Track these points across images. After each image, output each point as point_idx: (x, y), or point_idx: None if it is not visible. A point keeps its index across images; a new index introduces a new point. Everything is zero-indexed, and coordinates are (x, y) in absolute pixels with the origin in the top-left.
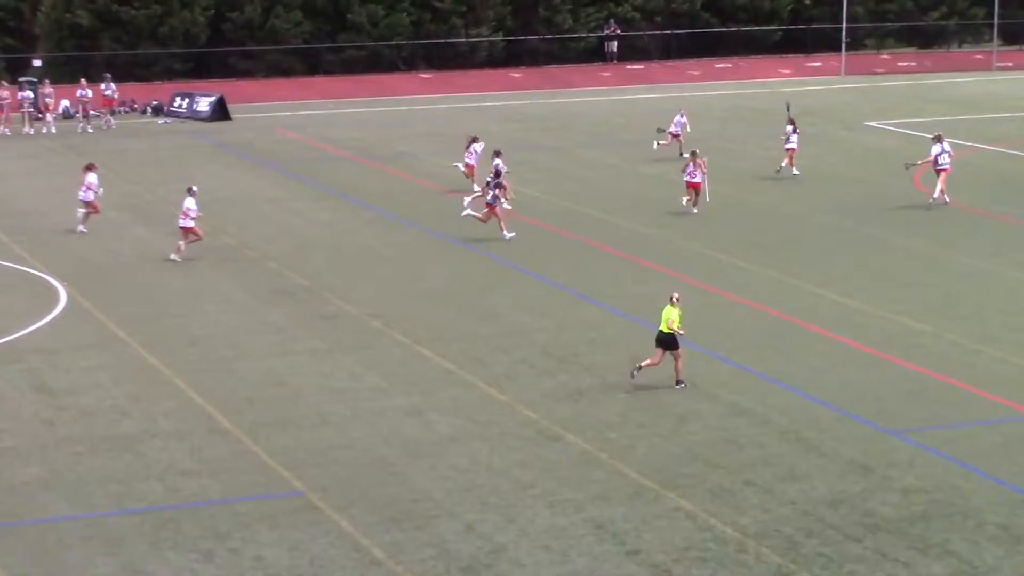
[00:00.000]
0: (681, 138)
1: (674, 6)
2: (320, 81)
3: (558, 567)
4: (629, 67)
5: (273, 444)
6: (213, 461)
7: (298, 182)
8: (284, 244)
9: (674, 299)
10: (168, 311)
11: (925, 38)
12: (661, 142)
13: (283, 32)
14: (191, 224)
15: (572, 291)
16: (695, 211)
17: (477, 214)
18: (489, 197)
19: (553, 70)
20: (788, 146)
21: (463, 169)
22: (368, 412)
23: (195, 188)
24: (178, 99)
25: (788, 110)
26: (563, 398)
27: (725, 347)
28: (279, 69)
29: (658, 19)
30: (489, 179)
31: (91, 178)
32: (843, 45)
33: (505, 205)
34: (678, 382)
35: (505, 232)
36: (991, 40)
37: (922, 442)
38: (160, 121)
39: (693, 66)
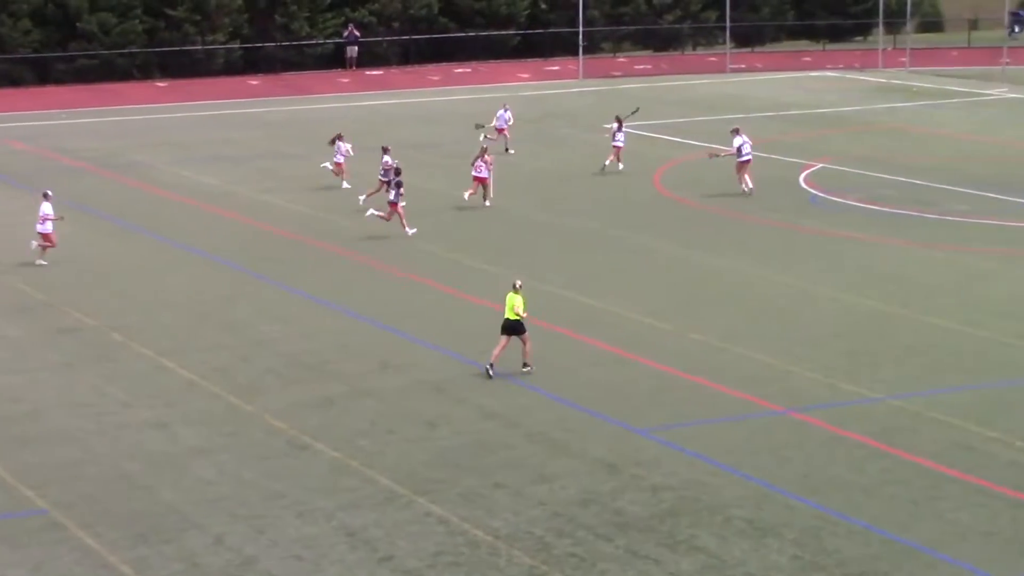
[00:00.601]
0: (506, 132)
1: (412, 12)
2: (52, 91)
3: None
4: (368, 73)
5: (14, 462)
6: None
7: (33, 194)
8: (20, 257)
9: (517, 286)
10: None
11: (660, 41)
12: (489, 137)
13: (11, 42)
14: (48, 230)
15: (317, 299)
16: (487, 204)
17: (380, 213)
18: (392, 195)
19: (292, 77)
20: (615, 143)
21: (331, 168)
22: (112, 426)
23: (50, 192)
24: None
25: (633, 112)
26: (312, 407)
27: (472, 351)
28: (9, 79)
29: (396, 25)
30: (382, 176)
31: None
32: (580, 49)
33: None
34: (524, 365)
35: (407, 229)
36: (724, 43)
37: (669, 440)
38: None
39: (432, 71)
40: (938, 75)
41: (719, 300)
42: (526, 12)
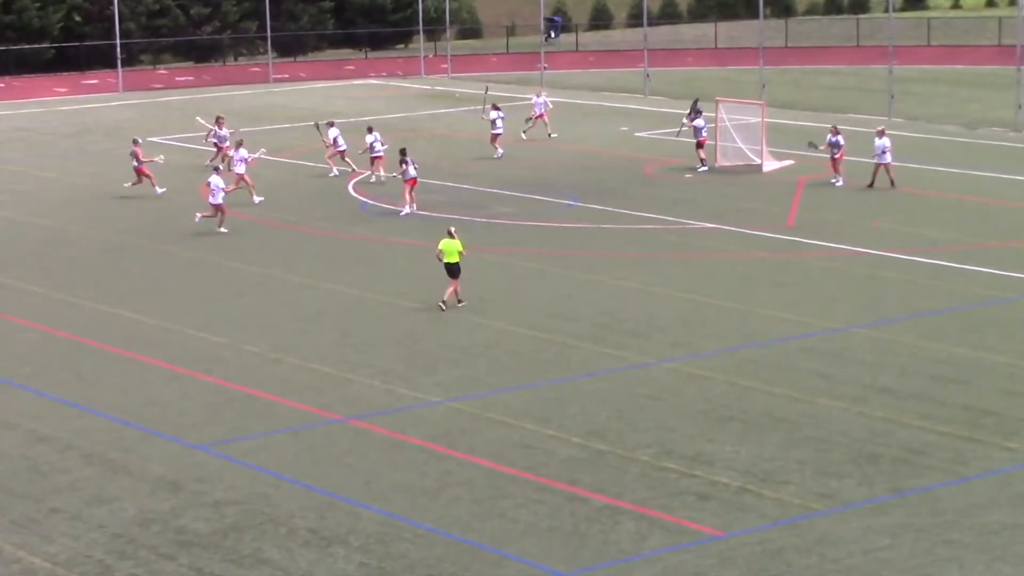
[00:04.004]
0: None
1: None
2: None
3: None
4: None
5: None
6: None
7: None
8: None
9: (452, 232)
10: None
11: (201, 52)
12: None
13: None
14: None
15: None
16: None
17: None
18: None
19: None
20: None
21: None
22: None
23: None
24: None
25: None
26: None
27: (20, 374)
28: None
29: None
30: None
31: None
32: (119, 61)
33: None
34: (460, 301)
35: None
36: (266, 53)
37: (230, 454)
38: None
39: None
40: (480, 81)
41: (272, 311)
42: (59, 25)
